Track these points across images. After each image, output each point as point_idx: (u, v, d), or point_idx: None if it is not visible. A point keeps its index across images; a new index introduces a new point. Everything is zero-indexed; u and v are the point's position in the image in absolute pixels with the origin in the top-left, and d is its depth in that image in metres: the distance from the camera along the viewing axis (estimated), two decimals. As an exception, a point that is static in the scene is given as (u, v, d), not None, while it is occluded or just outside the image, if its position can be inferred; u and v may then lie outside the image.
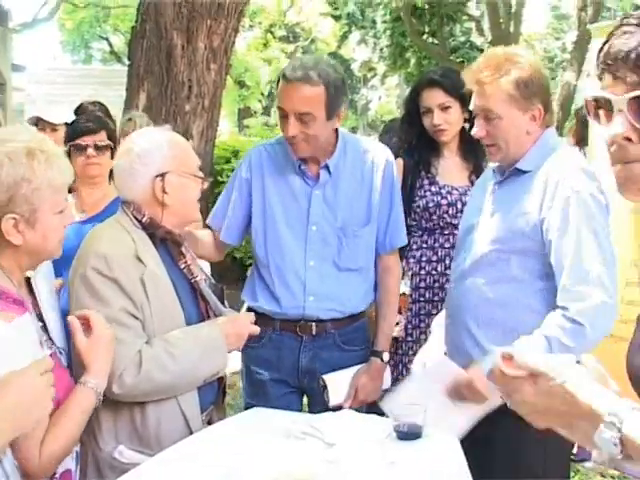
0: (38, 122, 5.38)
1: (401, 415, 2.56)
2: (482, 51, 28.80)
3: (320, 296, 3.26)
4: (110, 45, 34.79)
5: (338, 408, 3.09)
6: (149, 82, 6.99)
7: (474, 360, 2.87)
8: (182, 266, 2.80)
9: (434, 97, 3.86)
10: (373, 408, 2.99)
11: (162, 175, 2.72)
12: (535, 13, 41.94)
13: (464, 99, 3.78)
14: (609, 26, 5.10)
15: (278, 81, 3.24)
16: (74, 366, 2.49)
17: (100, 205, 3.95)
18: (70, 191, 4.11)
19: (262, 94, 31.70)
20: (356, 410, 2.94)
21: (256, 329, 2.87)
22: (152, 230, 2.75)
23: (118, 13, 31.25)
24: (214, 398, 2.91)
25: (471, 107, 3.00)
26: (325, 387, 3.22)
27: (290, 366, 3.35)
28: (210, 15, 6.78)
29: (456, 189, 3.92)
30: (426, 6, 25.91)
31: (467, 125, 3.87)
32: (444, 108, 3.87)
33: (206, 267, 3.66)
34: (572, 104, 20.04)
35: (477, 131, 2.96)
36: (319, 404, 3.25)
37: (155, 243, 2.76)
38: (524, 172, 2.92)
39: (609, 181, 4.04)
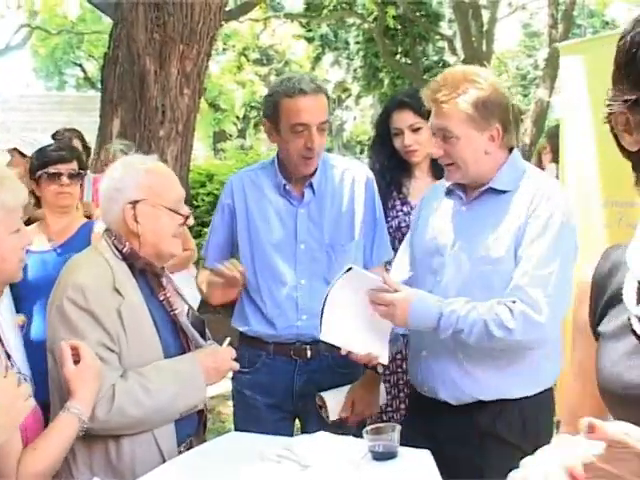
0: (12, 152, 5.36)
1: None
2: (455, 70, 29.07)
3: (313, 314, 3.24)
4: (84, 71, 34.71)
5: (339, 425, 3.10)
6: (122, 108, 6.99)
7: (466, 393, 2.89)
8: (161, 298, 2.77)
9: (404, 118, 3.89)
10: (348, 429, 2.96)
11: (134, 203, 2.68)
12: (507, 31, 42.48)
13: None
14: (577, 44, 5.16)
15: (273, 105, 3.28)
16: (51, 394, 2.51)
17: (67, 232, 3.92)
18: (34, 220, 4.09)
19: (237, 117, 31.72)
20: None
21: (235, 365, 2.85)
22: (132, 260, 2.72)
23: (92, 39, 31.24)
24: (193, 430, 2.87)
25: (429, 126, 3.00)
26: (322, 405, 3.21)
27: (284, 390, 3.36)
28: (182, 40, 6.80)
29: None
30: (398, 26, 26.06)
31: None
32: (415, 129, 3.90)
33: (195, 297, 3.63)
34: (545, 121, 20.20)
35: (435, 150, 2.95)
36: (314, 425, 3.23)
37: (134, 274, 2.73)
38: (501, 192, 2.91)
39: (582, 196, 4.05)
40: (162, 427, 2.66)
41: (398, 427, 2.48)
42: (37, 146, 4.29)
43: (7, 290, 2.59)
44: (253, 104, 32.69)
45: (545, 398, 3.00)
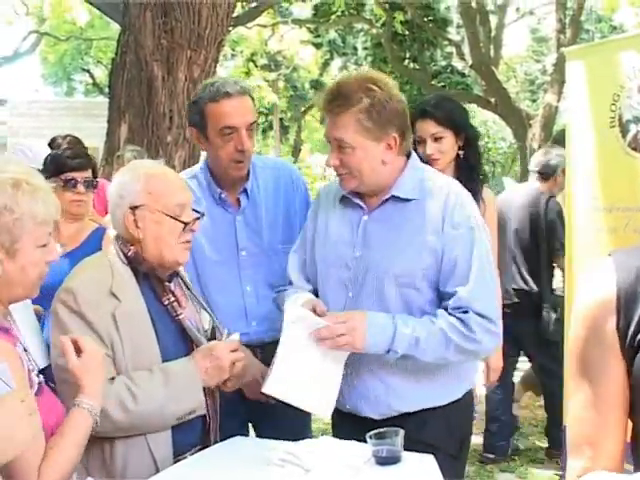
0: None
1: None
2: (463, 75, 29.13)
3: (261, 319, 3.26)
4: (92, 77, 34.84)
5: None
6: (130, 114, 7.00)
7: (391, 408, 2.85)
8: (165, 303, 2.75)
9: (426, 128, 3.88)
10: (353, 435, 2.93)
11: (134, 208, 2.69)
12: (515, 36, 42.42)
13: (457, 128, 3.85)
14: (581, 49, 5.14)
15: (198, 112, 3.25)
16: (58, 386, 2.51)
17: (78, 238, 3.90)
18: None
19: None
20: (334, 436, 2.89)
21: (238, 356, 2.76)
22: (136, 265, 2.72)
23: (100, 45, 31.35)
24: (197, 439, 2.82)
25: (324, 135, 2.89)
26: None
27: (237, 396, 3.21)
28: (190, 46, 6.81)
29: None
30: (406, 32, 26.06)
31: (462, 152, 3.92)
32: (437, 138, 3.88)
33: None
34: (554, 126, 20.17)
35: (330, 160, 2.82)
36: (267, 430, 3.21)
37: (139, 278, 2.73)
38: (405, 200, 2.82)
39: (587, 201, 4.05)
40: (156, 434, 2.65)
41: (401, 432, 2.48)
42: (32, 155, 4.28)
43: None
44: (261, 110, 32.74)
45: (467, 399, 3.00)
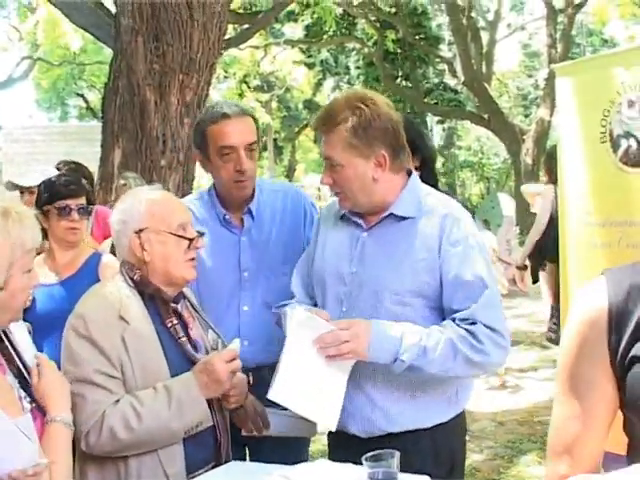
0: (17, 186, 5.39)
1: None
2: (456, 92, 29.26)
3: (254, 339, 3.24)
4: (86, 101, 34.93)
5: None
6: (124, 138, 7.01)
7: (375, 426, 2.80)
8: (169, 325, 2.77)
9: None
10: (347, 456, 2.87)
11: (139, 232, 2.73)
12: (507, 52, 42.63)
13: (412, 148, 3.82)
14: (570, 65, 5.16)
15: (200, 134, 3.29)
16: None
17: (74, 265, 3.89)
18: (39, 252, 4.10)
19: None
20: (331, 458, 2.86)
21: (235, 365, 2.72)
22: (142, 288, 2.76)
23: (93, 69, 31.45)
24: (209, 455, 2.81)
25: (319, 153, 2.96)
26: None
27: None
28: (182, 70, 6.83)
29: None
30: (398, 50, 26.21)
31: (417, 173, 3.88)
32: None
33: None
34: (547, 140, 20.26)
35: (324, 178, 2.86)
36: (264, 453, 3.16)
37: (145, 301, 2.76)
38: (403, 218, 2.81)
39: (580, 216, 4.06)
40: (167, 449, 2.66)
41: (397, 453, 2.46)
42: (42, 178, 4.26)
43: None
44: (255, 131, 32.81)
45: (458, 422, 2.93)
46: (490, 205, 16.50)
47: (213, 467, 2.78)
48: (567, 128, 4.49)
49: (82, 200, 3.93)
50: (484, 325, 2.66)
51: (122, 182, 5.22)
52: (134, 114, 6.94)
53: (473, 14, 22.45)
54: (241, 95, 28.89)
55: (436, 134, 37.00)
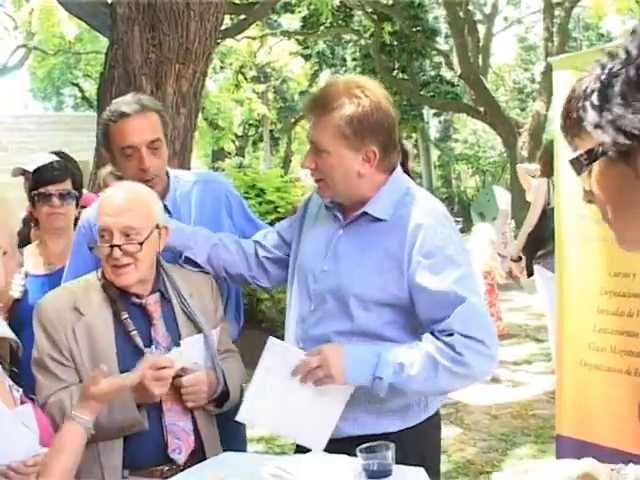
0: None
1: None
2: (452, 85, 29.25)
3: None
4: (81, 91, 34.83)
5: None
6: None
7: (339, 427, 2.71)
8: (122, 318, 2.80)
9: None
10: (342, 448, 2.84)
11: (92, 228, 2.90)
12: (503, 45, 42.63)
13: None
14: (567, 58, 5.13)
15: (103, 134, 3.22)
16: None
17: (66, 254, 3.87)
18: (29, 242, 4.08)
19: (235, 135, 31.77)
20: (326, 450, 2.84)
21: (162, 374, 2.67)
22: (105, 282, 2.82)
23: (89, 59, 31.34)
24: (156, 457, 2.80)
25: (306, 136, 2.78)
26: None
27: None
28: (178, 60, 6.79)
29: None
30: (395, 42, 26.17)
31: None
32: None
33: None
34: (542, 134, 20.25)
35: (305, 162, 2.74)
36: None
37: (108, 293, 2.82)
38: (376, 219, 2.70)
39: (576, 210, 4.04)
40: (107, 442, 2.71)
41: (392, 445, 2.46)
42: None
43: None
44: (251, 122, 32.79)
45: (425, 427, 2.82)
46: (486, 198, 16.50)
47: (176, 469, 2.77)
48: (563, 121, 4.48)
49: (65, 185, 3.88)
50: (462, 335, 2.53)
51: (108, 170, 5.15)
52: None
53: (470, 7, 22.44)
54: (237, 86, 28.81)
55: (432, 127, 37.01)
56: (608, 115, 1.24)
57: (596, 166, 1.31)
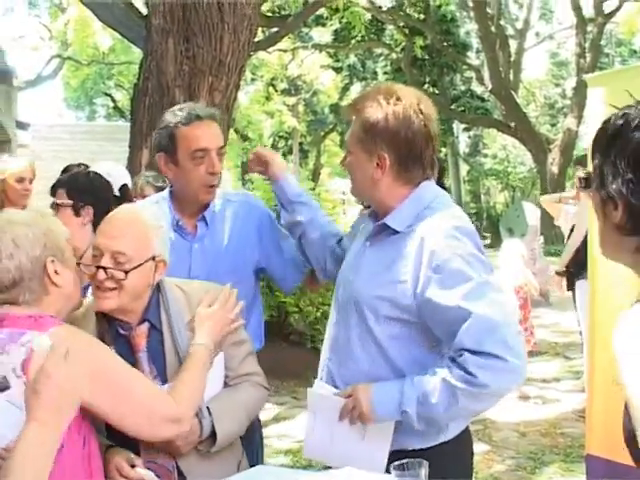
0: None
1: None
2: (483, 100, 29.20)
3: None
4: (113, 101, 35.16)
5: None
6: (152, 139, 7.03)
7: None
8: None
9: None
10: None
11: None
12: (535, 60, 42.46)
13: None
14: (604, 75, 5.12)
15: (168, 136, 3.21)
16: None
17: None
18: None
19: (265, 147, 31.85)
20: None
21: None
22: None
23: (121, 69, 31.65)
24: None
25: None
26: None
27: None
28: (211, 72, 6.85)
29: None
30: (426, 56, 26.16)
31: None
32: None
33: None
34: (573, 150, 20.15)
35: (344, 158, 2.81)
36: None
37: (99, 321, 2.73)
38: (395, 231, 2.67)
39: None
40: None
41: (425, 463, 2.44)
42: (112, 180, 4.18)
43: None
44: (281, 134, 32.91)
45: (451, 445, 2.74)
46: (515, 214, 16.39)
47: None
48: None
49: (60, 196, 3.81)
50: (473, 353, 2.45)
51: (138, 180, 5.16)
52: (163, 115, 6.96)
53: (502, 22, 22.41)
54: (268, 98, 28.97)
55: (462, 141, 36.93)
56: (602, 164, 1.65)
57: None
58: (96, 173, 4.05)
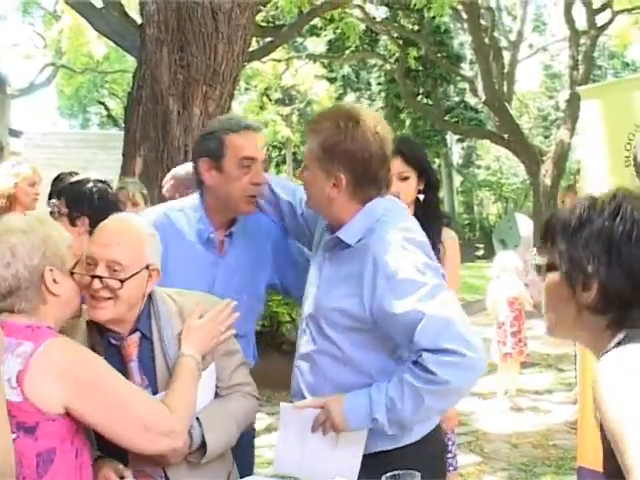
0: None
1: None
2: (477, 111, 29.27)
3: None
4: (107, 109, 35.13)
5: None
6: (145, 147, 7.02)
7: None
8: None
9: (393, 165, 3.73)
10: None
11: None
12: (528, 73, 42.52)
13: (421, 169, 3.79)
14: (598, 87, 5.16)
15: (217, 142, 3.22)
16: None
17: None
18: None
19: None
20: None
21: None
22: (89, 320, 2.74)
23: (115, 77, 31.63)
24: None
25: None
26: None
27: None
28: (205, 81, 6.85)
29: None
30: (420, 67, 26.22)
31: (422, 196, 3.84)
32: (403, 178, 3.78)
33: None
34: (566, 162, 20.18)
35: (300, 172, 2.88)
36: None
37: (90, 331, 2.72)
38: (348, 245, 2.73)
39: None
40: None
41: (418, 474, 2.44)
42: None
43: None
44: (275, 144, 32.88)
45: (425, 443, 2.81)
46: (508, 225, 16.49)
47: None
48: (591, 151, 4.48)
49: (59, 203, 3.90)
50: (430, 351, 2.50)
51: (119, 186, 5.14)
52: (156, 124, 6.95)
53: (495, 34, 22.44)
54: (262, 108, 28.98)
55: (455, 153, 36.99)
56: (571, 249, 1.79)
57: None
58: (96, 181, 4.04)
